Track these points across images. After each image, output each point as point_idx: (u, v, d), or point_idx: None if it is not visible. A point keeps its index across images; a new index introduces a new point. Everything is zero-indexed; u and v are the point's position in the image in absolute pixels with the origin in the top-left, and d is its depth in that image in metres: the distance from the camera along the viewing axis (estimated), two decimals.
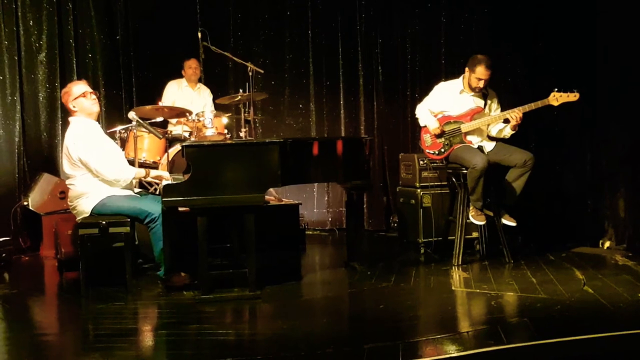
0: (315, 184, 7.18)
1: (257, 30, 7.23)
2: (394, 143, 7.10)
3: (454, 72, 6.33)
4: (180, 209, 4.60)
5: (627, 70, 5.44)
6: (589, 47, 5.92)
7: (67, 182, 4.67)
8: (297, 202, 6.15)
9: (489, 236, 5.39)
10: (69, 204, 4.70)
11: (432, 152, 5.30)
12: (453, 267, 5.03)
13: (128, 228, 4.48)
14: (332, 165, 4.73)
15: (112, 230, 4.46)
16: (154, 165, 5.88)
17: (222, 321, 3.91)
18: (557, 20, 6.19)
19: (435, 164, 5.69)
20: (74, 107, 4.65)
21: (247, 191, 4.22)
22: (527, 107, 4.96)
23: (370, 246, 5.56)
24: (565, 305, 3.87)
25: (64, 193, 5.91)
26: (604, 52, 5.77)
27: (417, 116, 5.42)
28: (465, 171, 5.02)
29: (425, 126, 5.30)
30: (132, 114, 5.00)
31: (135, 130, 5.11)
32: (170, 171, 5.24)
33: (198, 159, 4.21)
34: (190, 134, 5.73)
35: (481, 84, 5.10)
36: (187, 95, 6.75)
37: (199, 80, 6.85)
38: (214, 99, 6.75)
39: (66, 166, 4.61)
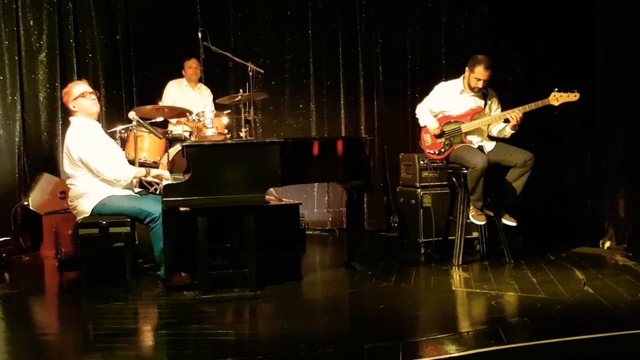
0: (316, 184, 7.18)
1: (257, 30, 7.23)
2: (394, 143, 7.11)
3: (454, 72, 6.33)
4: (180, 208, 4.60)
5: (627, 70, 5.44)
6: (589, 47, 5.92)
7: (68, 182, 4.67)
8: (297, 202, 6.15)
9: (489, 236, 5.39)
10: (69, 203, 4.70)
11: (432, 152, 5.30)
12: (453, 267, 5.03)
13: (128, 228, 4.49)
14: (332, 165, 4.73)
15: (112, 230, 4.46)
16: (154, 165, 5.88)
17: (222, 321, 3.91)
18: (557, 20, 6.19)
19: (435, 164, 5.69)
20: (74, 107, 4.65)
21: (248, 191, 4.22)
22: (527, 107, 4.97)
23: (370, 246, 5.54)
24: (566, 305, 3.87)
25: (64, 193, 5.91)
26: (604, 52, 5.77)
27: (417, 116, 5.42)
28: (465, 171, 5.02)
29: (426, 126, 5.30)
30: (132, 114, 5.00)
31: (135, 130, 5.11)
32: (171, 171, 5.24)
33: (198, 158, 4.21)
34: (191, 133, 5.73)
35: (480, 84, 5.10)
36: (188, 95, 6.75)
37: (199, 80, 6.85)
38: (214, 99, 6.75)
39: (66, 166, 4.61)
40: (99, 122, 4.86)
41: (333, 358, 3.18)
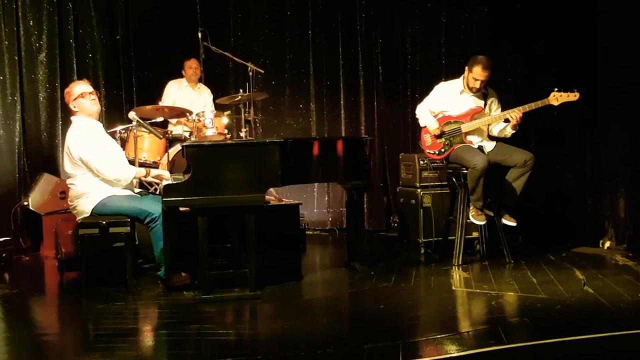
0: (316, 184, 7.17)
1: (257, 30, 7.23)
2: (394, 143, 7.11)
3: (454, 72, 6.33)
4: (180, 208, 4.60)
5: (627, 70, 5.44)
6: (589, 47, 5.92)
7: (68, 181, 4.67)
8: (297, 202, 6.14)
9: (489, 236, 5.39)
10: (70, 203, 4.70)
11: (432, 152, 5.30)
12: (453, 267, 5.03)
13: (128, 228, 4.49)
14: (332, 165, 4.73)
15: (112, 230, 4.46)
16: (154, 165, 5.88)
17: (222, 321, 3.91)
18: (557, 20, 6.19)
19: (435, 164, 5.69)
20: (74, 107, 4.67)
21: (248, 191, 4.22)
22: (527, 107, 4.96)
23: (370, 246, 5.54)
24: (566, 305, 3.87)
25: (64, 193, 5.91)
26: (604, 52, 5.77)
27: (417, 116, 5.42)
28: (465, 171, 5.02)
29: (426, 126, 5.30)
30: (132, 114, 5.01)
31: (135, 130, 5.11)
32: (171, 171, 5.24)
33: (198, 159, 4.21)
34: (191, 134, 5.73)
35: (477, 85, 5.09)
36: (188, 95, 6.75)
37: (200, 80, 6.85)
38: (214, 99, 6.75)
39: (67, 165, 4.61)
40: (100, 122, 4.85)
41: (333, 358, 3.18)
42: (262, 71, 5.75)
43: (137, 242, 5.06)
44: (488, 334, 3.38)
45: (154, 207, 4.49)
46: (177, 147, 5.74)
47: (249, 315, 4.08)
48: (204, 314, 3.98)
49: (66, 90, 4.76)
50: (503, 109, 5.19)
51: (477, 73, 5.05)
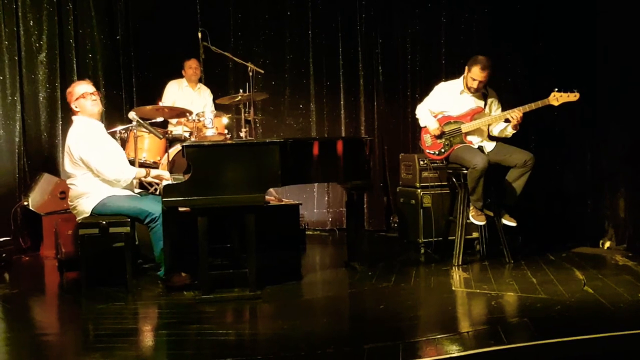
0: (316, 184, 7.17)
1: (257, 30, 7.23)
2: (394, 143, 7.10)
3: (454, 72, 6.33)
4: (180, 209, 4.60)
5: (627, 70, 5.44)
6: (589, 47, 5.92)
7: (68, 181, 4.68)
8: (297, 202, 6.15)
9: (489, 236, 5.39)
10: (70, 203, 4.70)
11: (432, 152, 5.30)
12: (453, 267, 5.03)
13: (128, 228, 4.49)
14: (332, 165, 4.73)
15: (112, 230, 4.46)
16: (154, 166, 5.88)
17: (222, 321, 3.91)
18: (557, 20, 6.19)
19: (435, 164, 5.70)
20: (75, 107, 4.68)
21: (248, 191, 4.22)
22: (527, 107, 4.97)
23: (370, 246, 5.54)
24: (566, 306, 3.87)
25: (64, 193, 5.91)
26: (604, 52, 5.77)
27: (417, 116, 5.42)
28: (465, 171, 5.02)
29: (426, 126, 5.30)
30: (132, 114, 5.01)
31: (135, 131, 5.11)
32: (171, 171, 5.24)
33: (198, 159, 4.21)
34: (191, 134, 5.74)
35: (475, 85, 5.09)
36: (188, 96, 6.75)
37: (199, 81, 6.85)
38: (214, 99, 6.75)
39: (67, 165, 4.62)
40: (102, 122, 4.85)
41: (333, 358, 3.18)
42: (262, 71, 5.75)
43: (137, 242, 5.06)
44: (488, 334, 3.38)
45: (154, 207, 4.49)
46: (177, 147, 5.75)
47: (249, 315, 4.08)
48: (204, 314, 3.98)
49: (68, 90, 4.77)
50: (503, 109, 5.19)
51: (475, 73, 5.06)
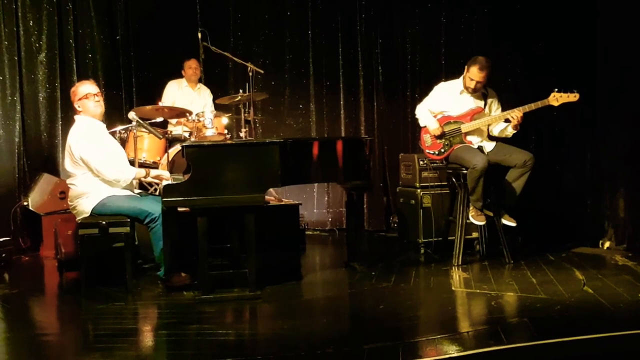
0: (315, 184, 7.17)
1: (257, 30, 7.23)
2: (394, 143, 7.11)
3: (454, 72, 6.33)
4: (180, 209, 4.60)
5: (627, 70, 5.44)
6: (589, 47, 5.92)
7: (68, 181, 4.68)
8: (297, 202, 6.16)
9: (489, 236, 5.39)
10: (69, 203, 4.71)
11: (432, 152, 5.30)
12: (453, 268, 5.02)
13: (128, 228, 4.49)
14: (332, 165, 4.73)
15: (112, 230, 4.46)
16: (154, 166, 5.89)
17: (222, 321, 3.91)
18: (557, 20, 6.19)
19: (435, 164, 5.70)
20: (78, 107, 4.69)
21: (247, 191, 4.22)
22: (527, 108, 4.97)
23: (370, 246, 5.55)
24: (565, 306, 3.87)
25: (64, 193, 5.91)
26: (604, 52, 5.77)
27: (417, 116, 5.42)
28: (465, 171, 5.02)
29: (425, 126, 5.30)
30: (132, 114, 5.01)
31: (135, 131, 5.12)
32: (171, 171, 5.24)
33: (198, 159, 4.21)
34: (190, 134, 5.74)
35: (473, 85, 5.09)
36: (187, 96, 6.75)
37: (199, 81, 6.85)
38: (214, 99, 6.75)
39: (67, 164, 4.62)
40: (103, 123, 4.85)
41: (333, 358, 3.18)
42: (262, 71, 5.75)
43: (136, 242, 5.06)
44: (488, 334, 3.38)
45: (153, 207, 4.49)
46: (177, 147, 5.75)
47: (248, 315, 4.08)
48: (203, 314, 3.98)
49: (72, 89, 4.80)
50: (503, 109, 5.19)
51: (473, 73, 5.06)
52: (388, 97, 7.19)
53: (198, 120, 5.65)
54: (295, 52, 7.25)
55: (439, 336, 3.39)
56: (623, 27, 5.49)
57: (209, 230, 4.21)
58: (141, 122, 5.00)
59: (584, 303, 3.93)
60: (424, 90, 6.02)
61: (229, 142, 5.12)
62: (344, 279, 4.89)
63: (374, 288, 4.52)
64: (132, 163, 5.05)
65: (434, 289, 4.50)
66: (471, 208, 5.08)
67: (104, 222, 4.44)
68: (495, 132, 5.27)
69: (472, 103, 5.22)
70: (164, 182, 4.49)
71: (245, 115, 5.53)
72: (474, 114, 5.18)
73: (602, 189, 5.87)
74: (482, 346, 3.18)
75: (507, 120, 5.11)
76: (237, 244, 5.20)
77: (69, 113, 6.47)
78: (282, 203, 6.12)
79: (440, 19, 7.00)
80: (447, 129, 5.21)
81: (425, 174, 5.86)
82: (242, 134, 5.48)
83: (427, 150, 5.35)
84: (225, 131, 6.03)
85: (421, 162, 5.86)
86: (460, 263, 5.05)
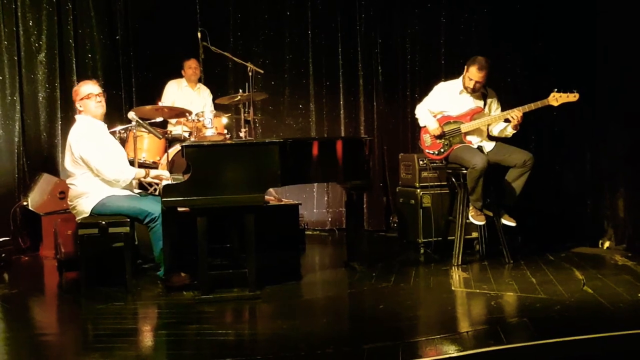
0: (315, 184, 7.17)
1: (257, 30, 7.23)
2: (393, 143, 7.10)
3: (453, 72, 6.32)
4: (180, 209, 4.60)
5: (627, 70, 5.44)
6: (589, 47, 5.92)
7: (68, 181, 4.68)
8: (296, 202, 6.16)
9: (488, 236, 5.39)
10: (69, 203, 4.71)
11: (431, 152, 5.30)
12: (453, 267, 5.02)
13: (128, 228, 4.49)
14: (332, 165, 4.72)
15: (111, 230, 4.46)
16: (154, 166, 5.88)
17: (221, 321, 3.91)
18: (557, 20, 6.19)
19: (435, 164, 5.70)
20: (80, 106, 4.70)
21: (247, 191, 4.22)
22: (526, 108, 4.97)
23: (370, 246, 5.54)
24: (565, 306, 3.87)
25: (63, 193, 5.91)
26: (604, 52, 5.77)
27: (416, 116, 5.42)
28: (465, 171, 5.02)
29: (425, 126, 5.30)
30: (131, 114, 5.01)
31: (134, 131, 5.11)
32: (170, 171, 5.24)
33: (198, 159, 4.21)
34: (190, 134, 5.73)
35: (472, 85, 5.09)
36: (187, 95, 6.75)
37: (199, 81, 6.85)
38: (213, 99, 6.75)
39: (68, 163, 4.63)
40: (105, 123, 4.85)
41: (332, 358, 3.18)
42: (262, 71, 5.75)
43: (136, 242, 5.06)
44: (487, 334, 3.38)
45: (153, 207, 4.49)
46: (177, 147, 5.75)
47: (248, 315, 4.08)
48: (203, 314, 3.98)
49: (74, 88, 4.81)
50: (503, 109, 5.19)
51: (472, 73, 5.06)
52: (388, 97, 7.19)
53: (198, 120, 5.65)
54: (295, 52, 7.25)
55: (438, 336, 3.39)
56: (623, 27, 5.49)
57: (208, 230, 4.21)
58: (141, 122, 5.00)
59: (584, 303, 3.93)
60: (424, 90, 6.02)
61: (228, 142, 5.12)
62: (344, 279, 4.89)
63: (373, 288, 4.52)
64: (131, 163, 5.05)
65: (433, 288, 4.50)
66: (471, 208, 5.08)
67: (103, 222, 4.44)
68: (494, 132, 5.27)
69: (471, 103, 5.22)
70: (164, 182, 4.48)
71: (245, 115, 5.53)
72: (474, 114, 5.18)
73: (602, 189, 5.87)
74: (481, 346, 3.18)
75: (506, 120, 5.11)
76: (236, 244, 5.20)
77: (68, 113, 6.48)
78: (282, 203, 6.12)
79: (440, 18, 7.00)
80: (446, 128, 5.21)
81: (425, 173, 5.86)
82: (241, 134, 5.48)
83: (427, 150, 5.34)
84: (225, 131, 6.03)
85: (421, 162, 5.86)
86: (460, 263, 5.05)
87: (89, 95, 4.65)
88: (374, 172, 6.85)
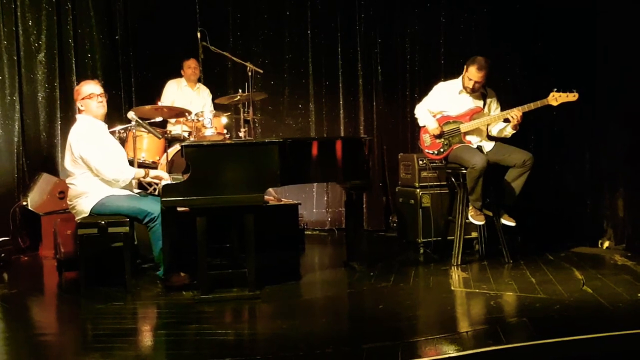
0: (315, 184, 7.18)
1: (257, 30, 7.23)
2: (393, 143, 7.11)
3: (453, 72, 6.32)
4: (179, 208, 4.60)
5: (627, 70, 5.44)
6: (589, 47, 5.92)
7: (67, 180, 4.68)
8: (296, 202, 6.16)
9: (488, 236, 5.39)
10: (69, 203, 4.71)
11: (431, 152, 5.30)
12: (452, 267, 5.02)
13: (127, 228, 4.49)
14: (331, 165, 4.72)
15: (111, 230, 4.46)
16: (153, 165, 5.88)
17: (221, 321, 3.91)
18: (557, 20, 6.19)
19: (434, 164, 5.69)
20: (81, 106, 4.70)
21: (247, 191, 4.22)
22: (526, 107, 4.97)
23: (369, 246, 5.54)
24: (564, 305, 3.87)
25: (63, 193, 5.91)
26: (604, 52, 5.77)
27: (416, 116, 5.42)
28: (464, 171, 5.02)
29: (425, 126, 5.30)
30: (131, 114, 5.01)
31: (134, 130, 5.12)
32: (170, 171, 5.24)
33: (197, 158, 4.21)
34: (190, 133, 5.74)
35: (471, 85, 5.09)
36: (187, 95, 6.75)
37: (199, 80, 6.85)
38: (213, 99, 6.75)
39: (67, 162, 4.63)
40: (105, 123, 4.85)
41: (332, 358, 3.18)
42: (261, 71, 5.76)
43: (136, 242, 5.06)
44: (487, 334, 3.39)
45: (153, 206, 4.49)
46: (176, 147, 5.75)
47: (247, 315, 4.08)
48: (202, 314, 3.98)
49: (76, 87, 4.81)
50: (502, 109, 5.19)
51: (471, 73, 5.06)
52: (387, 96, 7.19)
53: (197, 120, 5.65)
54: (294, 52, 7.25)
55: (438, 336, 3.39)
56: (623, 27, 5.49)
57: (208, 230, 4.21)
58: (140, 121, 5.00)
59: (583, 303, 3.93)
60: (423, 90, 6.03)
61: (228, 141, 5.12)
62: (343, 279, 4.89)
63: (373, 288, 4.52)
64: (131, 163, 5.06)
65: (433, 288, 4.50)
66: (470, 208, 5.08)
67: (103, 222, 4.44)
68: (494, 132, 5.27)
69: (471, 103, 5.22)
70: (163, 182, 4.48)
71: (245, 115, 5.53)
72: (473, 114, 5.18)
73: (601, 189, 5.87)
74: (481, 346, 3.18)
75: (506, 120, 5.11)
76: (236, 243, 5.20)
77: (68, 113, 6.49)
78: (282, 203, 6.12)
79: (440, 18, 7.00)
80: (446, 128, 5.21)
81: (424, 173, 5.86)
82: (241, 134, 5.48)
83: (427, 150, 5.35)
84: (225, 131, 6.03)
85: (420, 162, 5.86)
86: (459, 263, 5.05)
87: (91, 95, 4.66)
88: (374, 172, 6.86)
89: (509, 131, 5.17)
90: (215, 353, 3.26)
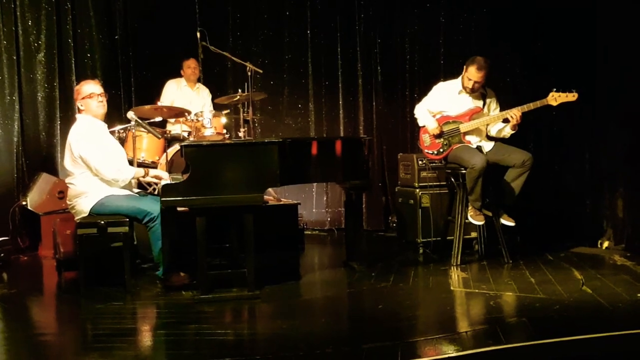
0: (314, 184, 7.17)
1: (256, 30, 7.23)
2: (392, 143, 7.10)
3: (452, 72, 6.31)
4: (179, 208, 4.60)
5: (627, 70, 5.45)
6: (589, 47, 5.92)
7: (67, 180, 4.68)
8: (296, 202, 6.15)
9: (487, 236, 5.39)
10: (68, 202, 4.71)
11: (431, 152, 5.30)
12: (452, 267, 5.02)
13: (127, 228, 4.49)
14: (331, 165, 4.72)
15: (110, 230, 4.46)
16: (153, 165, 5.88)
17: (221, 321, 3.90)
18: (557, 20, 6.19)
19: (434, 164, 5.69)
20: (81, 105, 4.70)
21: (246, 191, 4.22)
22: (525, 107, 4.97)
23: (369, 246, 5.54)
24: (564, 305, 3.87)
25: (62, 193, 5.91)
26: (604, 52, 5.77)
27: (415, 116, 5.42)
28: (464, 171, 5.02)
29: (424, 126, 5.30)
30: (131, 114, 5.01)
31: (134, 130, 5.12)
32: (169, 171, 5.24)
33: (197, 158, 4.21)
34: (189, 133, 5.74)
35: (471, 85, 5.09)
36: (186, 95, 6.75)
37: (198, 80, 6.85)
38: (212, 99, 6.75)
39: (67, 162, 4.63)
40: (105, 123, 4.85)
41: (332, 358, 3.18)
42: (261, 71, 5.76)
43: (135, 242, 5.06)
44: (486, 334, 3.39)
45: (152, 206, 4.49)
46: (176, 147, 5.74)
47: (247, 315, 4.08)
48: (202, 313, 3.98)
49: (76, 87, 4.82)
50: (502, 109, 5.19)
51: (471, 73, 5.06)
52: (387, 96, 7.19)
53: (197, 119, 5.65)
54: (294, 52, 7.25)
55: (437, 336, 3.39)
56: (623, 27, 5.49)
57: (207, 230, 4.21)
58: (140, 121, 5.00)
59: (583, 303, 3.93)
60: (423, 90, 6.03)
61: (227, 141, 5.12)
62: (343, 279, 4.89)
63: (372, 288, 4.52)
64: (130, 163, 5.05)
65: (432, 288, 4.50)
66: (470, 208, 5.08)
67: (102, 222, 4.44)
68: (493, 132, 5.27)
69: (470, 103, 5.22)
70: (163, 182, 4.48)
71: (244, 114, 5.53)
72: (473, 114, 5.18)
73: (601, 189, 5.87)
74: (480, 346, 3.18)
75: (505, 120, 5.11)
76: (235, 243, 5.20)
77: (67, 113, 6.48)
78: (281, 203, 6.12)
79: (439, 18, 7.00)
80: (445, 128, 5.21)
81: (424, 173, 5.85)
82: (240, 134, 5.48)
83: (426, 150, 5.35)
84: (224, 131, 6.03)
85: (420, 162, 5.86)
86: (459, 263, 5.05)
87: (91, 94, 4.66)
88: (373, 172, 6.86)
89: (507, 131, 5.17)
90: (215, 353, 3.26)
